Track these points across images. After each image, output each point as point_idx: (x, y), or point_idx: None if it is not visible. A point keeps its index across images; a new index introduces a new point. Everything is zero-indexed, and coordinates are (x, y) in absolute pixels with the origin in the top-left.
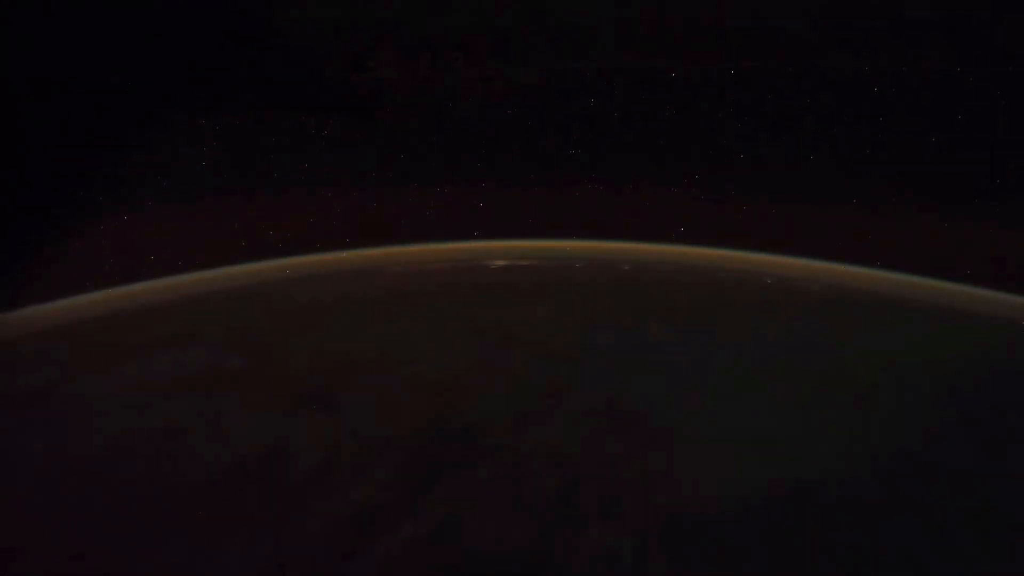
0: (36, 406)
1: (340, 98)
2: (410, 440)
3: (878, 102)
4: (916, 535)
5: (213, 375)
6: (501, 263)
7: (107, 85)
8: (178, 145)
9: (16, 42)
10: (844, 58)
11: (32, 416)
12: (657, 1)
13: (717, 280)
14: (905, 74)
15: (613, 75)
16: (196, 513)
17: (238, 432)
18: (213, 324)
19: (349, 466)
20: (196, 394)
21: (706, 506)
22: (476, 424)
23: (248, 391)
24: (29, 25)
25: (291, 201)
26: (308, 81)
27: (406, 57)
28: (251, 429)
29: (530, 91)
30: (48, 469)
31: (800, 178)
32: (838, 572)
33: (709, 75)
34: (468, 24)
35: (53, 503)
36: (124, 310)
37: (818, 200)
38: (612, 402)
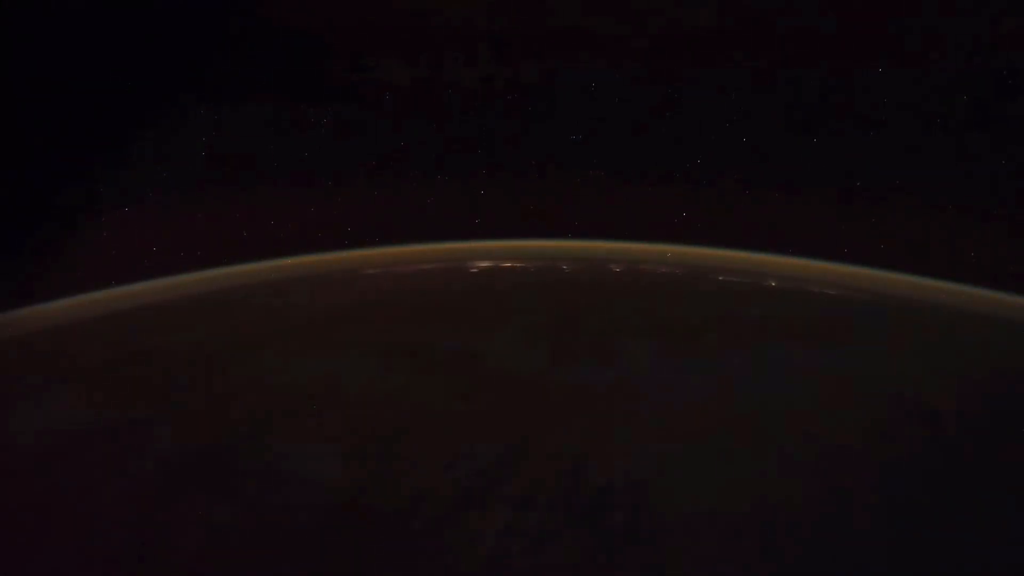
0: None
1: (340, 97)
2: (310, 537)
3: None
4: None
5: (110, 423)
6: (485, 264)
7: (107, 85)
8: (177, 144)
9: (16, 42)
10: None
11: None
12: (656, 2)
13: (716, 285)
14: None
15: (612, 74)
16: None
17: (103, 510)
18: (138, 351)
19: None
20: (92, 449)
21: None
22: (398, 513)
23: (141, 447)
24: (29, 25)
25: (290, 197)
26: (308, 80)
27: (406, 57)
28: (123, 503)
29: (530, 91)
30: None
31: (803, 173)
32: None
33: (710, 73)
34: (468, 24)
35: None
36: (122, 311)
37: (823, 196)
38: (577, 474)
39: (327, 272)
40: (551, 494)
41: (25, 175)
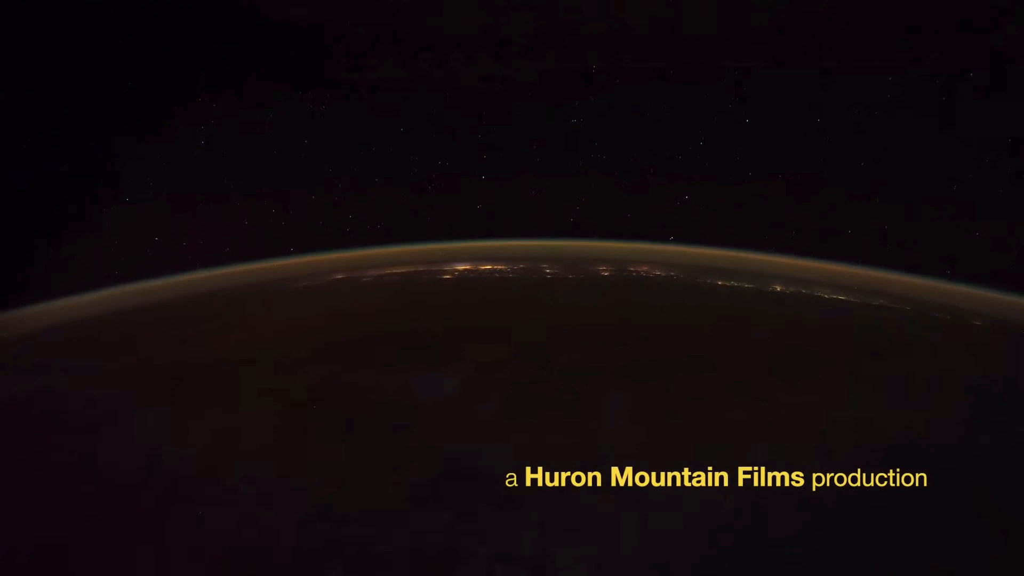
0: None
1: (339, 96)
2: None
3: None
4: None
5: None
6: (463, 268)
7: (108, 84)
8: (177, 142)
9: (16, 40)
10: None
11: None
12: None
13: (716, 291)
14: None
15: (611, 74)
16: None
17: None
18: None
19: None
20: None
21: None
22: None
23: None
24: (29, 23)
25: (290, 195)
26: (307, 79)
27: (406, 57)
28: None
29: (530, 91)
30: None
31: (806, 170)
32: None
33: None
34: (468, 24)
35: None
36: (123, 310)
37: (828, 193)
38: None
39: (293, 276)
40: None
41: (24, 175)
